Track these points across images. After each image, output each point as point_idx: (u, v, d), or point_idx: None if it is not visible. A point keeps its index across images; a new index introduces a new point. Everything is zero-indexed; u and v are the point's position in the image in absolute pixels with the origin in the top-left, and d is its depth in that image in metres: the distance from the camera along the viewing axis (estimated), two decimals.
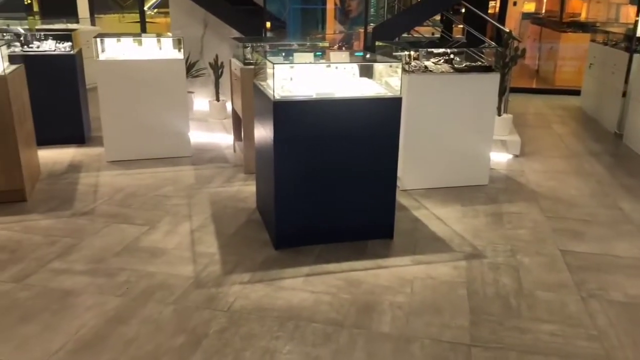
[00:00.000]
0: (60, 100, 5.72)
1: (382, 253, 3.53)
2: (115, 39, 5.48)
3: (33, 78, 5.24)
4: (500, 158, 5.59)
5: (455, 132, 4.67)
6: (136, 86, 5.23)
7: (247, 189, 4.61)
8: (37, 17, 11.15)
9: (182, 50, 5.53)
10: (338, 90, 3.48)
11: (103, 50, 5.40)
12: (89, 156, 5.47)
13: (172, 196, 4.43)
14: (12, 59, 4.62)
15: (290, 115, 3.34)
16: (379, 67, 3.91)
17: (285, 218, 3.52)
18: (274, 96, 3.33)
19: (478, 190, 4.72)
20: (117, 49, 5.44)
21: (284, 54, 5.06)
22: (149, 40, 5.56)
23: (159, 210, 4.13)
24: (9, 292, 2.97)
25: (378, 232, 3.72)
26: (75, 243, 3.56)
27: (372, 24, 7.97)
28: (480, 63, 4.82)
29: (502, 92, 5.62)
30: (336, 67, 3.77)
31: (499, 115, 5.72)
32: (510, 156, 5.69)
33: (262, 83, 3.81)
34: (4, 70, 3.98)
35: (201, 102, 7.51)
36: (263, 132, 3.69)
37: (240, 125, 5.21)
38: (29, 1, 9.29)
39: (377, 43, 5.25)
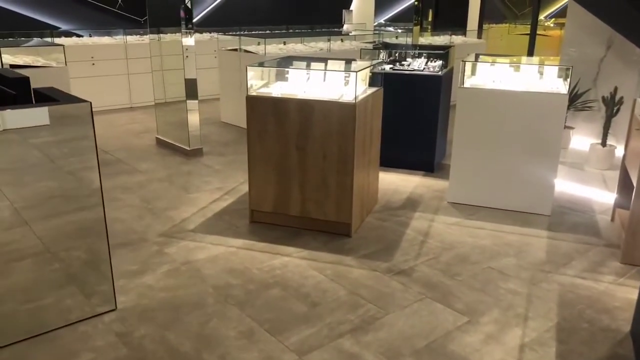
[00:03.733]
0: (416, 123, 5.30)
1: None
2: (488, 64, 4.69)
3: (393, 97, 4.94)
4: None
5: None
6: (499, 120, 4.32)
7: (621, 293, 3.19)
8: (428, 28, 11.28)
9: (568, 81, 4.34)
10: None
11: (473, 74, 4.68)
12: (431, 190, 4.88)
13: (510, 275, 3.40)
14: (378, 77, 4.33)
15: None
16: None
17: None
18: None
19: None
20: (488, 73, 4.63)
21: None
22: (527, 67, 4.56)
23: (488, 295, 3.17)
24: None
25: None
26: (377, 316, 2.95)
27: None
28: None
29: None
30: None
31: None
32: None
33: None
34: (356, 97, 3.65)
35: (580, 141, 6.06)
36: None
37: (631, 189, 3.72)
38: (417, 3, 9.23)
39: None
